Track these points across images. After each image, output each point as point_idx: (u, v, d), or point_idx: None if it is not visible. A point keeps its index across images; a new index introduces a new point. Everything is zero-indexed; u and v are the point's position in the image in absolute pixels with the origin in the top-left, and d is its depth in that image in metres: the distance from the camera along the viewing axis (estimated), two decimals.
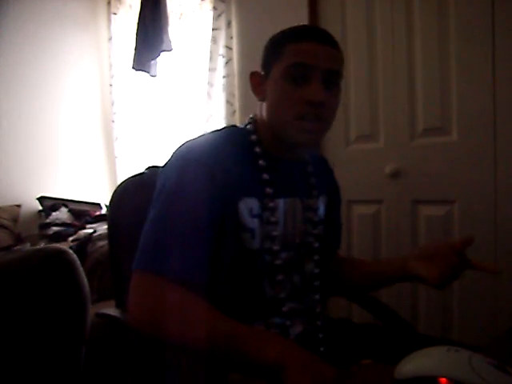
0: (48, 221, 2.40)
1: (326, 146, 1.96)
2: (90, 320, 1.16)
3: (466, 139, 1.60)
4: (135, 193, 0.77)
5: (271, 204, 0.80)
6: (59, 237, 2.26)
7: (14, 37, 2.57)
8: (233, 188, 0.77)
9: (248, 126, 0.87)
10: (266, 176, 0.81)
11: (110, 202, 0.99)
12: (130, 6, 2.86)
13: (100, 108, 3.03)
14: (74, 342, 1.12)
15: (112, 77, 2.93)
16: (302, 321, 0.85)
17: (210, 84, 2.40)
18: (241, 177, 0.78)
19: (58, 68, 2.79)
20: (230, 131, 0.86)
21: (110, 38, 2.94)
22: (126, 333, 0.88)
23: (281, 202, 0.83)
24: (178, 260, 0.70)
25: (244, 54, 2.30)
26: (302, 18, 1.96)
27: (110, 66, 2.95)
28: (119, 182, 1.01)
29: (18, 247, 2.15)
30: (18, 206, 2.53)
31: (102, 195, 2.84)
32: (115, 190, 1.00)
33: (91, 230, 2.18)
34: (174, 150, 0.81)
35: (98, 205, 2.69)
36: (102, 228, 2.18)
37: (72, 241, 2.14)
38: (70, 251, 1.13)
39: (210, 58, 2.38)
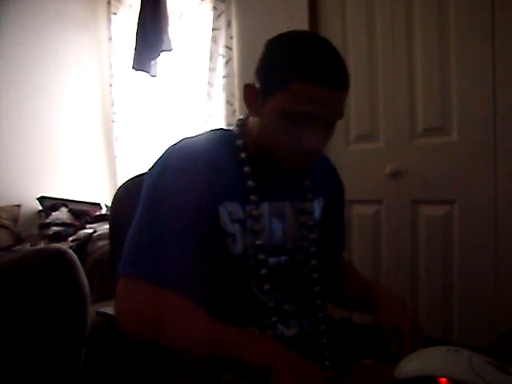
0: (48, 221, 2.40)
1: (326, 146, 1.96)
2: (90, 319, 1.16)
3: (466, 139, 1.60)
4: (137, 193, 0.77)
5: (255, 212, 0.78)
6: (59, 237, 2.26)
7: (14, 37, 2.57)
8: (213, 193, 0.76)
9: (235, 129, 0.85)
10: (250, 183, 0.79)
11: (112, 203, 0.99)
12: (130, 6, 2.87)
13: (100, 108, 3.03)
14: (74, 341, 1.12)
15: (112, 77, 2.93)
16: (299, 323, 0.83)
17: (210, 84, 2.40)
18: (223, 181, 0.77)
19: (58, 68, 2.79)
20: (215, 134, 0.84)
21: (110, 38, 2.94)
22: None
23: (265, 206, 0.81)
24: (158, 264, 0.69)
25: (244, 54, 2.30)
26: (302, 19, 1.96)
27: (110, 65, 2.95)
28: (119, 182, 1.01)
29: (17, 247, 2.15)
30: (18, 206, 2.53)
31: (101, 195, 2.84)
32: (117, 191, 1.00)
33: (91, 230, 2.17)
34: (159, 155, 0.80)
35: (98, 205, 2.68)
36: (102, 228, 2.18)
37: (72, 241, 2.13)
38: (70, 251, 1.13)
39: (210, 58, 2.38)
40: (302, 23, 1.94)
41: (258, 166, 0.81)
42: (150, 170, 0.80)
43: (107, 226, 2.07)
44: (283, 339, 0.79)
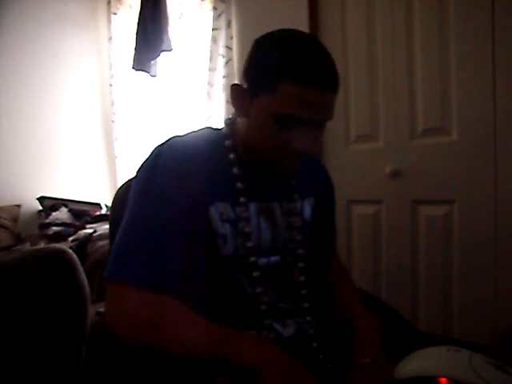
0: (48, 221, 2.40)
1: (326, 146, 1.96)
2: (90, 319, 1.16)
3: (465, 139, 1.60)
4: None
5: (245, 214, 0.78)
6: (59, 237, 2.26)
7: (14, 37, 2.57)
8: (203, 192, 0.75)
9: (224, 129, 0.84)
10: (239, 185, 0.78)
11: (112, 203, 0.99)
12: (130, 6, 2.87)
13: (100, 108, 3.03)
14: (74, 341, 1.12)
15: (112, 77, 2.93)
16: (296, 322, 0.82)
17: (210, 84, 2.40)
18: (213, 181, 0.76)
19: (58, 68, 2.79)
20: (204, 134, 0.83)
21: (110, 38, 2.94)
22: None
23: (253, 207, 0.80)
24: (149, 267, 0.68)
25: (244, 54, 2.28)
26: (302, 19, 1.96)
27: (110, 66, 2.95)
28: (119, 182, 1.02)
29: (17, 247, 2.15)
30: (18, 206, 2.53)
31: (102, 195, 2.84)
32: (117, 191, 1.00)
33: (91, 230, 2.17)
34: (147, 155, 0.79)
35: (98, 205, 2.68)
36: (102, 228, 2.18)
37: (72, 241, 2.13)
38: (70, 251, 1.13)
39: (210, 58, 2.38)
40: (301, 23, 1.94)
41: (247, 167, 0.80)
42: (138, 169, 0.78)
43: (107, 226, 2.08)
44: (280, 339, 0.78)
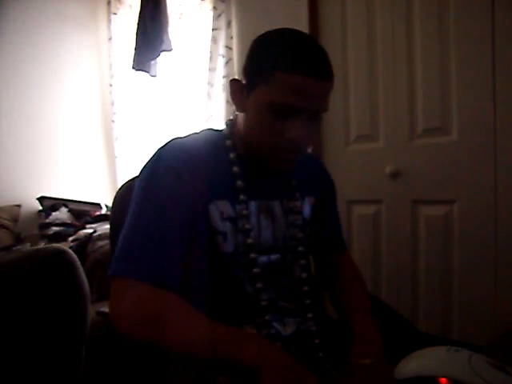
0: (48, 221, 2.40)
1: (326, 146, 1.96)
2: (90, 319, 1.16)
3: (465, 139, 1.60)
4: None
5: (245, 211, 0.79)
6: (59, 237, 2.26)
7: (14, 37, 2.57)
8: (203, 191, 0.76)
9: (224, 130, 0.85)
10: (240, 183, 0.79)
11: (112, 203, 0.99)
12: (130, 6, 2.87)
13: (100, 108, 3.03)
14: (74, 341, 1.12)
15: (112, 77, 2.94)
16: (296, 320, 0.83)
17: (210, 84, 2.40)
18: (213, 180, 0.78)
19: (58, 68, 2.79)
20: (205, 135, 0.85)
21: (110, 38, 2.94)
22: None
23: (254, 205, 0.81)
24: (152, 264, 0.69)
25: (244, 54, 2.29)
26: (302, 19, 1.96)
27: (110, 65, 2.95)
28: (119, 182, 1.02)
29: (17, 247, 2.15)
30: (18, 206, 2.53)
31: (101, 195, 2.84)
32: (118, 191, 1.00)
33: (91, 230, 2.18)
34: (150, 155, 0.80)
35: (98, 205, 2.69)
36: (102, 228, 2.19)
37: (72, 241, 2.14)
38: (70, 251, 1.13)
39: (210, 58, 2.38)
40: (302, 23, 1.94)
41: (247, 165, 0.82)
42: (141, 171, 0.80)
43: (107, 226, 2.08)
44: (279, 338, 0.79)
